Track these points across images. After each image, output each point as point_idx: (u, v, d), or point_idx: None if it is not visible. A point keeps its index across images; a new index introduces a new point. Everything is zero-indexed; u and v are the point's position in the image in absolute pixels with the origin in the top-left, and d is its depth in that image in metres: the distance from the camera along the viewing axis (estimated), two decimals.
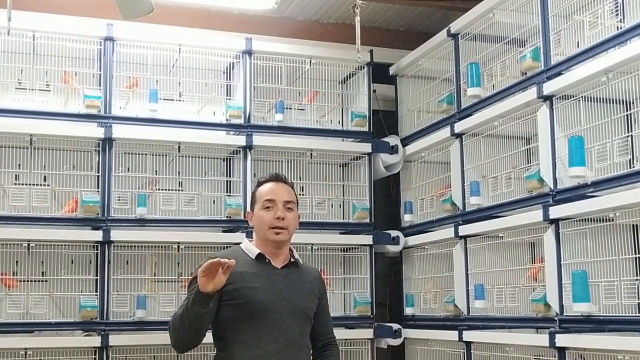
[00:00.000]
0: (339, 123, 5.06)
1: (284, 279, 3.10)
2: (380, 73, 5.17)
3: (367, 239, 4.80)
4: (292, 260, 3.18)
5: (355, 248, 4.88)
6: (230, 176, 4.73)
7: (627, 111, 3.42)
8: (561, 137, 3.59)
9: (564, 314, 3.49)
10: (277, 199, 3.13)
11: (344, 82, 5.18)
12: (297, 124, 4.82)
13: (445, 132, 4.50)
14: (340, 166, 5.12)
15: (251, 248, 3.15)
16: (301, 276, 3.18)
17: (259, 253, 3.11)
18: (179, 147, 4.48)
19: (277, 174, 3.26)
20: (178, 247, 4.36)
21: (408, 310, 4.90)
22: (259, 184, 3.23)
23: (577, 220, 3.50)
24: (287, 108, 4.78)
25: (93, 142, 4.34)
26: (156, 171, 4.58)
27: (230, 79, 4.83)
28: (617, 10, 3.41)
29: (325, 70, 4.89)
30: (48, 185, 4.32)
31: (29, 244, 4.15)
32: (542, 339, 3.52)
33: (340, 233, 4.89)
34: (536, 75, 3.74)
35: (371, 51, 4.93)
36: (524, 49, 3.90)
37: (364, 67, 4.96)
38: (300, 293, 3.12)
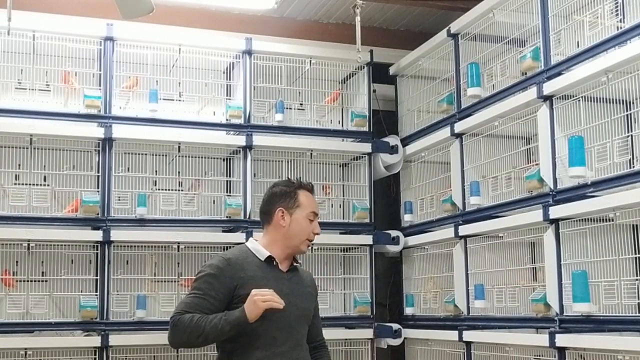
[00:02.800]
0: (339, 123, 5.06)
1: (289, 283, 3.07)
2: (380, 73, 5.17)
3: (367, 239, 4.80)
4: (294, 264, 3.17)
5: (355, 248, 4.88)
6: (230, 176, 4.73)
7: (627, 111, 3.42)
8: (561, 137, 3.59)
9: (564, 314, 3.49)
10: (319, 214, 3.16)
11: (344, 82, 5.17)
12: (297, 124, 4.82)
13: (445, 132, 4.50)
14: (340, 166, 5.11)
15: (260, 249, 3.07)
16: (301, 280, 3.17)
17: (269, 256, 3.05)
18: (179, 147, 4.48)
19: (313, 186, 3.23)
20: (178, 247, 4.36)
21: (408, 310, 4.90)
22: (299, 187, 3.15)
23: (577, 220, 3.50)
24: (287, 108, 4.78)
25: (93, 142, 4.34)
26: (156, 171, 4.58)
27: (230, 79, 4.83)
28: (617, 10, 3.41)
29: (325, 70, 4.89)
30: (48, 185, 4.32)
31: (29, 244, 4.15)
32: (542, 339, 3.52)
33: (340, 233, 4.88)
34: (536, 75, 3.74)
35: (371, 51, 4.93)
36: (524, 49, 3.89)
37: (364, 67, 4.96)
38: (303, 297, 3.11)
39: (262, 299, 2.81)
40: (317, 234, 3.12)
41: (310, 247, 3.15)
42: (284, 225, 3.08)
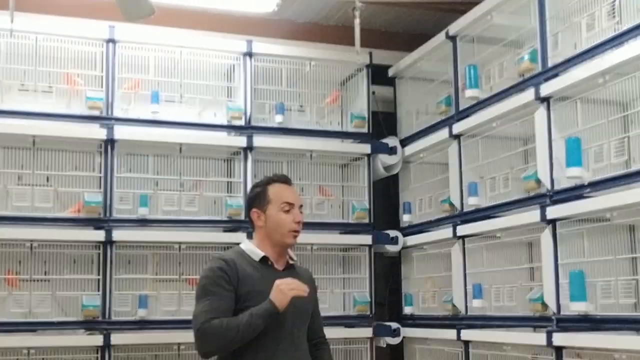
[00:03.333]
0: (339, 124, 5.08)
1: None
2: (379, 75, 5.19)
3: (367, 239, 4.83)
4: (291, 262, 3.19)
5: (354, 248, 4.91)
6: (231, 177, 4.76)
7: (623, 112, 3.44)
8: (558, 138, 3.61)
9: (561, 313, 3.51)
10: (296, 202, 3.12)
11: (344, 84, 5.20)
12: (297, 126, 4.85)
13: (443, 133, 4.52)
14: (339, 167, 5.14)
15: (254, 250, 3.10)
16: (299, 278, 3.16)
17: (264, 256, 3.08)
18: (181, 148, 4.51)
19: (287, 176, 3.22)
20: (179, 247, 4.39)
21: (407, 310, 4.92)
22: (268, 182, 3.15)
23: (574, 221, 3.52)
24: (287, 109, 4.81)
25: (95, 143, 4.36)
26: (158, 172, 4.61)
27: (231, 81, 4.85)
28: (614, 13, 3.42)
29: (325, 72, 4.92)
30: (51, 185, 4.33)
31: (31, 244, 4.17)
32: (540, 338, 3.55)
33: (340, 233, 4.91)
34: (534, 77, 3.77)
35: (370, 53, 4.96)
36: (522, 50, 3.92)
37: (363, 69, 4.99)
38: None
39: (288, 287, 2.85)
40: (298, 222, 3.09)
41: (296, 237, 3.10)
42: (261, 225, 3.11)
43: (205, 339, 2.87)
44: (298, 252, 3.28)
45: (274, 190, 3.13)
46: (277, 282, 2.89)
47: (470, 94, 4.26)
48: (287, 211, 3.09)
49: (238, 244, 3.27)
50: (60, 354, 4.09)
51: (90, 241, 4.29)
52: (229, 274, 2.95)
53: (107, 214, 4.28)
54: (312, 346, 3.23)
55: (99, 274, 4.26)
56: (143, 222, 4.36)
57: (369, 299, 4.78)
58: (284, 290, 2.86)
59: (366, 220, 4.86)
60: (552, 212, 3.57)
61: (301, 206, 3.18)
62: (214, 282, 2.94)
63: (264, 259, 3.08)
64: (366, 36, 4.60)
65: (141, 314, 4.26)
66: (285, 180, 3.19)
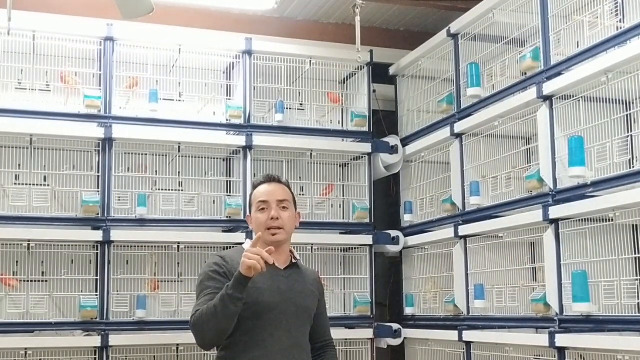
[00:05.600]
0: (339, 123, 5.06)
1: (287, 280, 3.09)
2: (380, 73, 5.17)
3: (367, 239, 4.80)
4: (294, 261, 3.18)
5: (355, 248, 4.89)
6: (230, 176, 4.73)
7: (626, 111, 3.42)
8: (561, 137, 3.59)
9: (564, 314, 3.49)
10: (270, 199, 3.12)
11: (344, 82, 5.18)
12: (297, 124, 4.82)
13: (445, 132, 4.50)
14: (340, 166, 5.12)
15: None
16: (302, 277, 3.17)
17: None
18: (179, 147, 4.48)
19: (270, 175, 3.24)
20: (178, 247, 4.36)
21: (408, 310, 4.90)
22: (254, 186, 3.22)
23: (577, 220, 3.50)
24: (287, 108, 4.78)
25: (93, 142, 4.34)
26: (156, 171, 4.58)
27: (230, 79, 4.83)
28: (616, 11, 3.42)
29: (325, 71, 4.89)
30: (48, 185, 4.32)
31: (29, 244, 4.15)
32: (542, 339, 3.52)
33: (340, 233, 4.89)
34: (536, 75, 3.74)
35: (371, 51, 4.93)
36: (524, 49, 3.90)
37: (363, 67, 4.96)
38: (303, 294, 3.11)
39: (248, 254, 2.79)
40: (273, 217, 3.08)
41: (275, 235, 3.07)
42: (252, 228, 3.19)
43: (196, 332, 2.92)
44: (298, 252, 3.25)
45: (255, 193, 3.19)
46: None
47: (471, 93, 4.25)
48: (262, 209, 3.12)
49: (238, 244, 3.30)
50: (57, 355, 4.07)
51: (88, 241, 4.27)
52: (224, 268, 2.99)
53: (105, 214, 4.25)
54: (318, 349, 3.22)
55: (96, 275, 4.24)
56: (141, 222, 4.33)
57: (370, 300, 4.75)
58: (248, 255, 2.79)
59: (367, 220, 4.83)
60: (555, 211, 3.55)
61: (283, 201, 3.14)
62: (209, 277, 2.99)
63: None
64: (367, 34, 4.58)
65: (139, 314, 4.23)
66: (266, 180, 3.22)
